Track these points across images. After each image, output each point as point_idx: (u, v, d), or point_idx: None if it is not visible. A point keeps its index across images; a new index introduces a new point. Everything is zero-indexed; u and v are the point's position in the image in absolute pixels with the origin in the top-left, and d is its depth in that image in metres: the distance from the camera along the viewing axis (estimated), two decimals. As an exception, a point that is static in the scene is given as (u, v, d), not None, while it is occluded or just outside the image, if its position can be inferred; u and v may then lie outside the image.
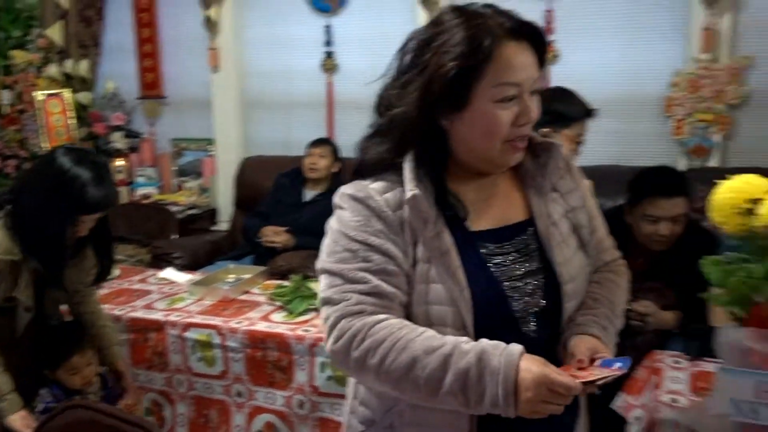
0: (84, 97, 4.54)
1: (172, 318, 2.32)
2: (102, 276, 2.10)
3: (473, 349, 1.03)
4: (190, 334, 2.27)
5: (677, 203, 2.22)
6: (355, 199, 1.16)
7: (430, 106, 1.10)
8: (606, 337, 1.20)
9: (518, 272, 1.17)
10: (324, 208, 4.13)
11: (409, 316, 1.13)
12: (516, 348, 1.03)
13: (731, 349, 1.34)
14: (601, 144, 3.28)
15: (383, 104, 1.18)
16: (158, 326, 2.32)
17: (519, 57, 1.09)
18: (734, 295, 1.34)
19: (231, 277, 2.72)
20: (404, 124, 1.13)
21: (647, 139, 3.55)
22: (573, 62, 3.49)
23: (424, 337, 1.06)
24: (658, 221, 2.21)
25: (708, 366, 1.78)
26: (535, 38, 1.11)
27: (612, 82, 3.52)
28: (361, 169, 1.20)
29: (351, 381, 1.30)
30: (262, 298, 2.49)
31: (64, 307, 2.18)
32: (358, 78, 4.27)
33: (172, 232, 4.08)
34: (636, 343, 2.15)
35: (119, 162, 4.49)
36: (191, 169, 4.62)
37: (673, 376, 1.78)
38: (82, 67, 4.54)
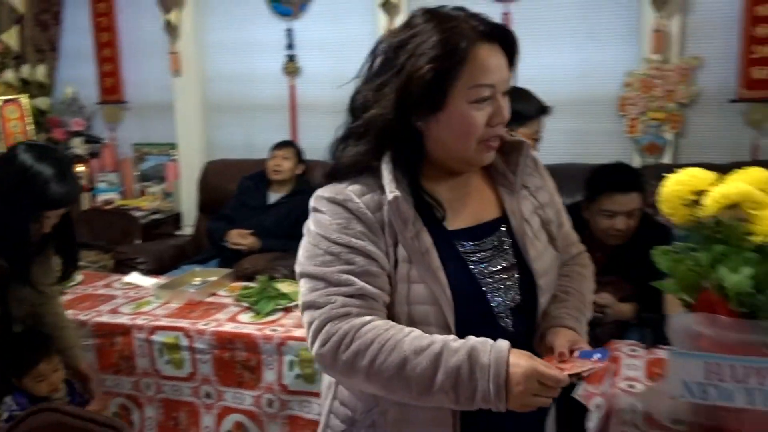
0: (42, 102, 4.49)
1: (139, 321, 2.32)
2: (67, 274, 2.10)
3: (463, 347, 1.05)
4: (157, 337, 2.27)
5: (632, 198, 2.30)
6: (333, 201, 1.16)
7: (407, 108, 1.12)
8: (580, 329, 1.26)
9: (495, 269, 1.20)
10: (289, 210, 4.18)
11: (391, 316, 1.14)
12: (504, 344, 1.05)
13: (682, 335, 1.40)
14: (558, 143, 3.38)
15: (358, 106, 1.18)
16: (124, 330, 2.32)
17: (492, 59, 1.12)
18: (683, 282, 1.40)
19: (197, 280, 2.72)
20: (381, 126, 1.13)
21: (603, 138, 3.65)
22: (530, 64, 3.52)
23: (412, 336, 1.07)
24: (614, 216, 2.28)
25: (662, 353, 1.85)
26: (506, 40, 1.14)
27: (568, 83, 3.62)
28: (335, 172, 1.20)
29: (327, 381, 1.31)
30: (228, 300, 2.50)
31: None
32: (321, 81, 4.36)
33: (136, 238, 4.05)
34: (595, 333, 2.21)
35: (80, 168, 4.44)
36: (154, 174, 4.60)
37: (630, 364, 1.85)
38: (40, 72, 4.49)
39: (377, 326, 1.08)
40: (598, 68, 3.61)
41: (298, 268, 1.17)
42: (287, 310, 2.37)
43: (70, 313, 2.31)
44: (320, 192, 1.20)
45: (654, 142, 3.55)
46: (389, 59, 1.14)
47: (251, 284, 2.55)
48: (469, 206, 1.24)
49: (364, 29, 4.01)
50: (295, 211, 3.58)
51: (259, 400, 2.19)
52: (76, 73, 4.60)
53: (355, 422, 1.22)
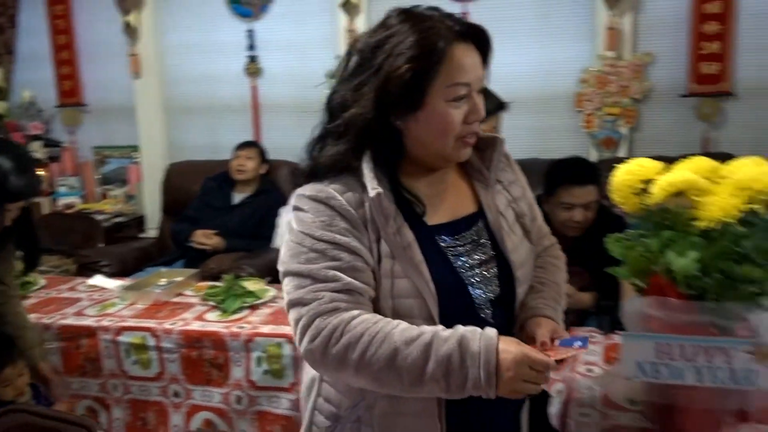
0: (-1, 106, 4.43)
1: (105, 323, 2.31)
2: (30, 267, 2.09)
3: (453, 336, 1.07)
4: (124, 338, 2.27)
5: (589, 191, 2.37)
6: (316, 199, 1.17)
7: (386, 107, 1.13)
8: (557, 318, 1.30)
9: (474, 262, 1.23)
10: (253, 210, 4.19)
11: (376, 311, 1.15)
12: (492, 332, 1.08)
13: (634, 318, 1.46)
14: (519, 139, 3.44)
15: (336, 106, 1.20)
16: (90, 332, 2.31)
17: (468, 58, 1.15)
18: (635, 268, 1.46)
19: (162, 281, 2.71)
20: (361, 125, 1.15)
21: (561, 133, 3.74)
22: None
23: (401, 328, 1.09)
24: (572, 208, 2.35)
25: (619, 338, 1.92)
26: (480, 40, 1.18)
27: (527, 81, 3.69)
28: (314, 172, 1.20)
29: (309, 379, 1.31)
30: (195, 300, 2.51)
31: None
32: (283, 81, 4.38)
33: (98, 241, 4.02)
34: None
35: (39, 172, 4.38)
36: (116, 177, 4.57)
37: (588, 350, 1.91)
38: (-4, 76, 4.42)
39: (366, 319, 1.09)
40: (555, 66, 3.69)
41: (281, 267, 1.18)
42: (254, 307, 2.38)
43: (33, 317, 2.30)
44: (301, 191, 1.20)
45: (610, 136, 3.65)
46: (366, 59, 1.15)
47: (217, 283, 2.56)
48: (447, 201, 1.26)
49: (324, 29, 4.04)
50: (260, 211, 3.60)
51: (228, 397, 2.20)
52: (34, 77, 4.54)
53: (340, 418, 1.23)
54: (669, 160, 1.48)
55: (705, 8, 3.42)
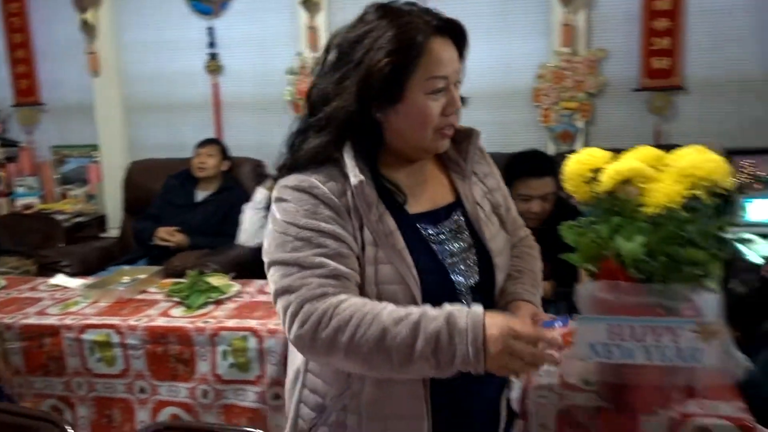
0: (-47, 106, 4.34)
1: (67, 321, 2.30)
2: None
3: (441, 314, 1.08)
4: (88, 336, 2.26)
5: (546, 182, 2.44)
6: (299, 189, 1.18)
7: (367, 100, 1.16)
8: (537, 302, 1.35)
9: (455, 250, 1.26)
10: (216, 207, 4.18)
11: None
12: (479, 308, 1.10)
13: (587, 301, 1.51)
14: (478, 133, 3.51)
15: (316, 100, 1.21)
16: (53, 331, 2.29)
17: (446, 52, 1.19)
18: (587, 253, 1.52)
19: (126, 279, 2.71)
20: (343, 118, 1.17)
21: (520, 128, 3.81)
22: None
23: (389, 309, 1.10)
24: (530, 199, 2.41)
25: (573, 322, 1.98)
26: (457, 34, 1.22)
27: (486, 77, 3.75)
28: (295, 164, 1.22)
29: (293, 371, 1.31)
30: (159, 296, 2.51)
31: None
32: (244, 78, 4.37)
33: (59, 241, 3.97)
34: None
35: (-4, 172, 4.33)
36: (76, 177, 4.52)
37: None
38: (-51, 75, 4.33)
39: (354, 303, 1.11)
40: (513, 62, 3.76)
41: (267, 258, 1.18)
42: (218, 302, 2.40)
43: (-6, 317, 2.29)
44: (284, 182, 1.22)
45: (567, 130, 3.74)
46: (346, 53, 1.18)
47: (181, 280, 2.57)
48: (427, 192, 1.30)
49: (285, 26, 4.05)
50: (223, 208, 3.60)
51: (194, 392, 2.21)
52: (-12, 76, 4.47)
53: (326, 408, 1.24)
54: (623, 152, 1.54)
55: (655, 5, 3.52)
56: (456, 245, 1.27)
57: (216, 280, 2.51)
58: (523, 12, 3.77)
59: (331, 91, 1.18)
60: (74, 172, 4.53)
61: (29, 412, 1.55)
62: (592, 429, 1.60)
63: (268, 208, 3.76)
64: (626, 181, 1.44)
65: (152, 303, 2.45)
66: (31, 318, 2.37)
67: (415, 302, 1.17)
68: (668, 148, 1.56)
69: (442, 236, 1.26)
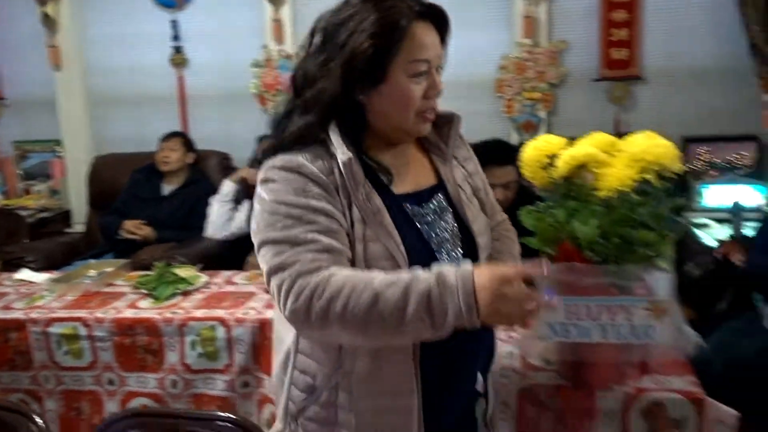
0: None
1: (34, 315, 2.29)
2: None
3: (431, 274, 1.09)
4: (54, 329, 2.26)
5: (508, 171, 2.49)
6: (286, 169, 1.19)
7: (351, 82, 1.19)
8: None
9: (438, 230, 1.29)
10: (182, 201, 4.17)
11: None
12: (468, 264, 1.11)
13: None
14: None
15: (301, 82, 1.24)
16: (19, 325, 2.29)
17: (428, 37, 1.22)
18: (545, 237, 1.57)
19: (92, 272, 2.70)
20: (328, 99, 1.19)
21: (484, 118, 3.87)
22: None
23: (381, 276, 1.10)
24: (492, 188, 2.43)
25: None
26: (439, 20, 1.25)
27: (449, 68, 3.69)
28: (281, 145, 1.23)
29: (282, 354, 1.31)
30: (126, 289, 2.51)
31: None
32: (209, 71, 4.35)
33: (23, 237, 3.92)
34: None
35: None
36: (39, 172, 4.46)
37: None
38: None
39: (346, 273, 1.11)
40: (476, 53, 3.80)
41: (257, 239, 1.18)
42: (186, 293, 2.41)
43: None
44: (270, 162, 1.22)
45: (529, 120, 3.81)
46: (330, 36, 1.20)
47: (149, 272, 2.57)
48: (410, 173, 1.32)
49: (250, 19, 4.05)
50: (189, 202, 3.60)
51: (163, 382, 2.23)
52: (-54, 70, 4.38)
53: (316, 389, 1.25)
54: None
55: (614, -3, 3.61)
56: (440, 226, 1.30)
57: (183, 271, 2.53)
58: (484, 4, 3.82)
59: (315, 73, 1.21)
60: (37, 167, 4.47)
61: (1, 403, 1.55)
62: (551, 406, 1.66)
63: (235, 200, 3.76)
64: (581, 166, 1.50)
65: (119, 295, 2.45)
66: (-4, 313, 2.35)
67: None
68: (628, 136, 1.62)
69: (427, 217, 1.29)
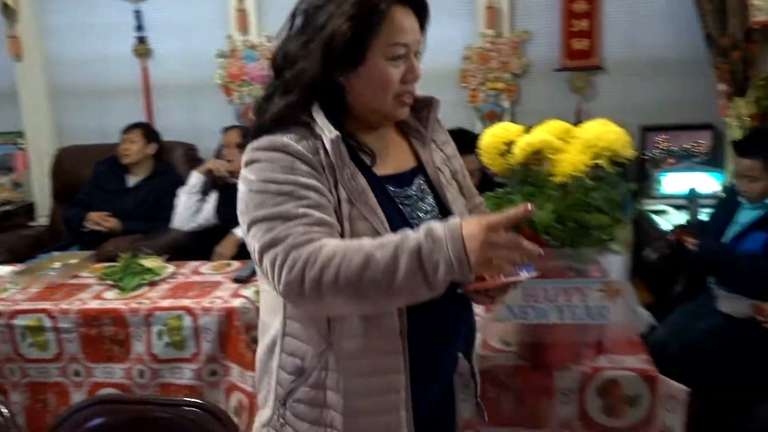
0: None
1: (-3, 308, 2.29)
2: None
3: (420, 231, 1.09)
4: (19, 321, 2.25)
5: (472, 159, 2.50)
6: (272, 149, 1.19)
7: (330, 64, 1.20)
8: None
9: (420, 211, 1.31)
10: (148, 192, 4.16)
11: None
12: (456, 218, 1.12)
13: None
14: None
15: (281, 63, 1.25)
16: (-18, 318, 2.28)
17: (407, 21, 1.23)
18: (504, 222, 1.62)
19: (57, 264, 2.69)
20: (308, 80, 1.21)
21: (449, 108, 3.87)
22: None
23: (371, 241, 1.11)
24: (456, 176, 2.51)
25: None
26: (419, 5, 1.26)
27: (414, 58, 3.82)
28: (263, 127, 1.24)
29: (269, 339, 1.30)
30: (92, 280, 2.51)
31: None
32: (173, 62, 4.31)
33: (-15, 231, 3.87)
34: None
35: None
36: (1, 165, 4.40)
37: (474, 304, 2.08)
38: None
39: (337, 243, 1.12)
40: (440, 43, 3.80)
41: (247, 219, 1.18)
42: (152, 284, 2.42)
43: None
44: (255, 144, 1.22)
45: (493, 110, 3.86)
46: (311, 18, 1.22)
47: (114, 263, 2.57)
48: (391, 156, 1.34)
49: (214, 9, 4.03)
50: (155, 193, 3.59)
51: (130, 372, 2.23)
52: None
53: (305, 370, 1.25)
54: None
55: (574, -12, 3.67)
56: (421, 208, 1.32)
57: (150, 262, 2.53)
58: (447, -5, 3.85)
59: (296, 54, 1.23)
60: (-1, 159, 4.42)
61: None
62: (511, 386, 1.71)
63: (203, 192, 3.74)
64: (537, 153, 1.55)
65: (85, 287, 2.45)
66: (-42, 306, 2.33)
67: None
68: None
69: (409, 198, 1.31)
